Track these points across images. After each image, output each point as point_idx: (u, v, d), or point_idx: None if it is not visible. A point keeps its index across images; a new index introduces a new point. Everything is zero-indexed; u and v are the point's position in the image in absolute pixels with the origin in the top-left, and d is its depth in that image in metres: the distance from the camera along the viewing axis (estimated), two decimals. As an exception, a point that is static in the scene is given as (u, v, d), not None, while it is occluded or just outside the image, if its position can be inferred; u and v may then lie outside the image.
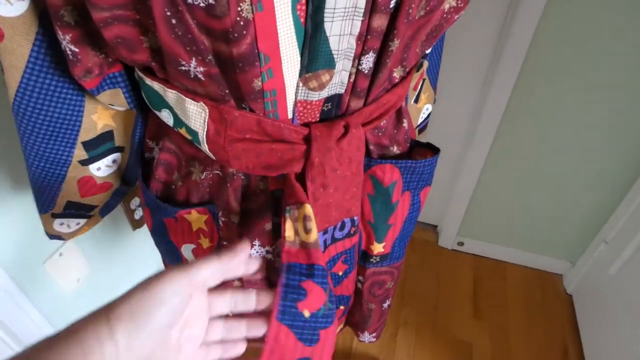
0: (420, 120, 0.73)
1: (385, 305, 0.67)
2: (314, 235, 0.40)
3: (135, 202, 1.10)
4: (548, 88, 1.10)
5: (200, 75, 0.36)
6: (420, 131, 0.75)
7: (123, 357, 0.26)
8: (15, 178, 0.75)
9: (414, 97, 0.65)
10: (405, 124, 0.53)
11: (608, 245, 1.20)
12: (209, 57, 0.35)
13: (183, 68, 0.36)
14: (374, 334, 0.71)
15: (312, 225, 0.41)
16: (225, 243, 0.53)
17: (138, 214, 1.12)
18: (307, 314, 0.39)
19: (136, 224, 1.13)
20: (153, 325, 0.27)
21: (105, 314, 0.27)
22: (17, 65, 0.42)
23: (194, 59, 0.35)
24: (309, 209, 0.41)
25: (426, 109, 0.74)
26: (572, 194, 1.28)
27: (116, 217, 1.07)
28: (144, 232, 1.19)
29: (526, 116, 1.17)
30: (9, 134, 0.71)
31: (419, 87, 0.62)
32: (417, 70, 0.55)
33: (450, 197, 1.47)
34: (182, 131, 0.43)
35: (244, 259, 0.33)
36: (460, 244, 1.56)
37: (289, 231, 0.42)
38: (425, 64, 0.57)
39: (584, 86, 1.07)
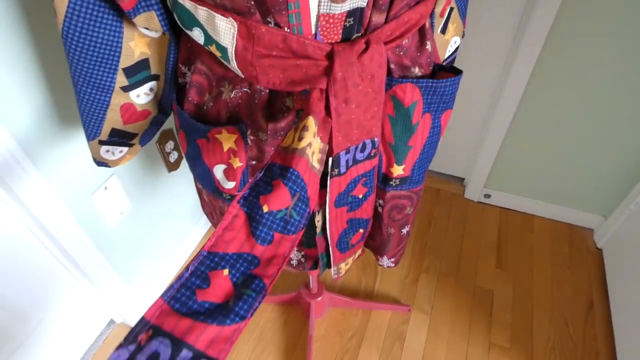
0: (447, 54, 0.72)
1: (404, 231, 0.70)
2: (303, 144, 0.42)
3: (170, 145, 1.16)
4: (584, 35, 1.05)
5: (227, -16, 0.39)
6: None
7: None
8: (75, 112, 0.81)
9: (441, 26, 0.64)
10: (428, 46, 0.53)
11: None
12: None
13: (211, -23, 0.38)
14: (392, 259, 0.75)
15: (306, 134, 0.42)
16: (254, 163, 0.57)
17: (172, 157, 1.19)
18: (265, 209, 0.38)
19: (171, 167, 1.19)
20: None
21: None
22: None
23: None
24: (311, 120, 0.43)
25: (454, 41, 0.73)
26: (607, 144, 1.24)
27: (154, 160, 1.13)
28: (179, 174, 1.26)
29: (560, 63, 1.12)
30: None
31: (446, 14, 0.62)
32: (444, -8, 0.54)
33: (478, 148, 1.45)
34: (212, 48, 0.46)
35: None
36: (487, 196, 1.55)
37: (287, 139, 0.43)
38: (452, -14, 0.56)
39: (624, 31, 1.01)
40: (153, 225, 1.20)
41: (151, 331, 0.33)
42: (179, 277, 0.36)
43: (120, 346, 0.33)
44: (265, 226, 0.39)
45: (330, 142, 0.49)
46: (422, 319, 1.25)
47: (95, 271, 1.01)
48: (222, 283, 0.36)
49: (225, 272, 0.36)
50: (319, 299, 1.18)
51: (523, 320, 1.24)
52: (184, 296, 0.35)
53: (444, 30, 0.66)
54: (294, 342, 1.20)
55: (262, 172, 0.41)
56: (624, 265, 1.23)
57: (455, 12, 0.67)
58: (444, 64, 0.73)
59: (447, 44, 0.70)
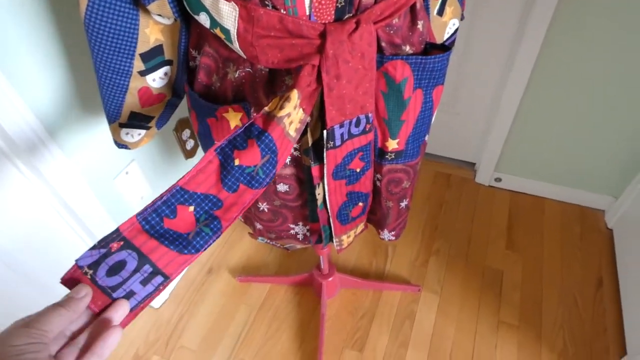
0: (446, 36, 0.75)
1: (403, 204, 0.74)
2: (282, 113, 0.48)
3: (186, 133, 1.22)
4: (591, 14, 1.05)
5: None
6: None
7: None
8: (97, 103, 0.88)
9: (437, 8, 0.67)
10: (420, 26, 0.57)
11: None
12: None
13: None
14: (392, 232, 0.78)
15: (287, 105, 0.48)
16: None
17: (189, 144, 1.25)
18: (237, 162, 0.46)
19: (188, 154, 1.26)
20: None
21: None
22: None
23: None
24: (294, 93, 0.49)
25: (452, 23, 0.75)
26: (616, 125, 1.24)
27: (171, 148, 1.20)
28: (195, 161, 1.32)
29: (568, 44, 1.13)
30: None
31: (442, -4, 0.64)
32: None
33: (487, 132, 1.47)
34: (217, 31, 0.51)
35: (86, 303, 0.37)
36: (498, 180, 1.57)
37: (272, 104, 0.49)
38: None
39: (633, 9, 1.01)
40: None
41: (122, 242, 0.40)
42: (153, 202, 0.42)
43: (93, 247, 0.39)
44: (233, 177, 0.46)
45: (324, 116, 0.53)
46: (431, 299, 1.28)
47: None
48: (186, 217, 0.44)
49: (191, 208, 0.44)
50: (330, 279, 1.23)
51: (532, 299, 1.26)
52: (154, 220, 0.42)
53: (440, 13, 0.69)
54: (307, 321, 1.25)
55: (243, 129, 0.48)
56: (633, 243, 1.24)
57: (452, -5, 0.69)
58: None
59: (445, 26, 0.73)
